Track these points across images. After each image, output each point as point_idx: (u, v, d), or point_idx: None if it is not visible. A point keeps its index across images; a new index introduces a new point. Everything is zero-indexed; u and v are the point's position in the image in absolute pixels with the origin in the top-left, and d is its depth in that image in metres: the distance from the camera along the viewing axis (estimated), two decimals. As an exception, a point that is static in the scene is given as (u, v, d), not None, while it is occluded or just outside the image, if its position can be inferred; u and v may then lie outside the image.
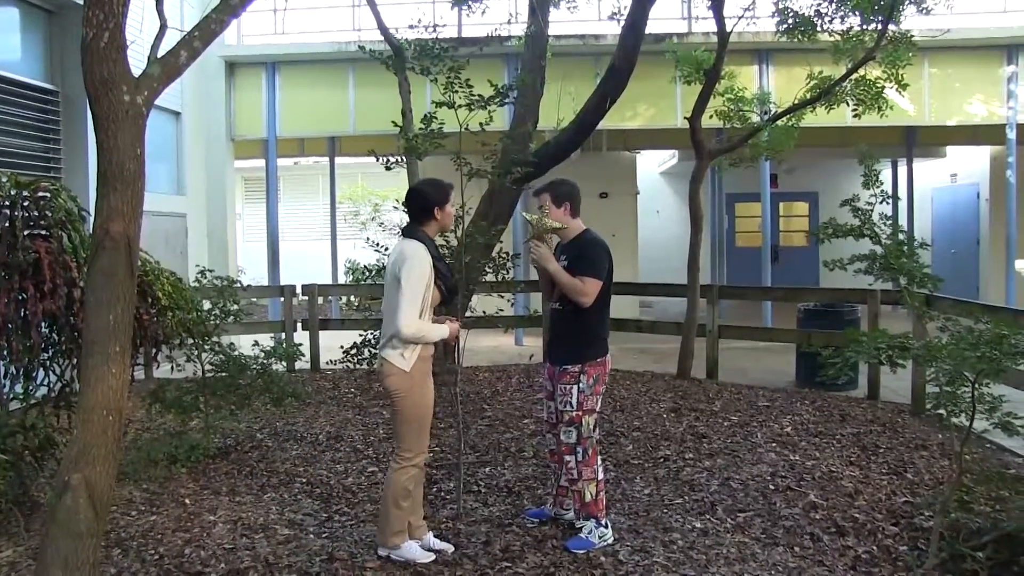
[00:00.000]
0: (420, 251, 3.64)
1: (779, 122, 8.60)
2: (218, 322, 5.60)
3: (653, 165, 16.74)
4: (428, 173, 10.89)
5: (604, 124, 8.23)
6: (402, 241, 3.74)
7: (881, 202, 4.56)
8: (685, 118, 8.55)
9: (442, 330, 3.68)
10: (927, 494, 4.59)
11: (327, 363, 7.84)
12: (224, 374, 5.59)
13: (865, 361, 3.97)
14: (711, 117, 8.72)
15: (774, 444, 5.69)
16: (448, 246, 4.86)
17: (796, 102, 8.44)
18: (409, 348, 3.63)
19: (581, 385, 3.92)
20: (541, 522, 4.29)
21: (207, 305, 5.67)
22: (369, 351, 7.26)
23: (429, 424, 3.79)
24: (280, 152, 12.18)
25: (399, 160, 4.96)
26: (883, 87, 8.18)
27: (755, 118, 9.04)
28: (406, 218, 3.86)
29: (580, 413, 3.94)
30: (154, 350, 4.87)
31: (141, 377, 7.68)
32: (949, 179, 14.87)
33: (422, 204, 3.76)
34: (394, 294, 3.61)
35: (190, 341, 5.38)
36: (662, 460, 5.38)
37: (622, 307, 9.49)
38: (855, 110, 8.40)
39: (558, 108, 8.20)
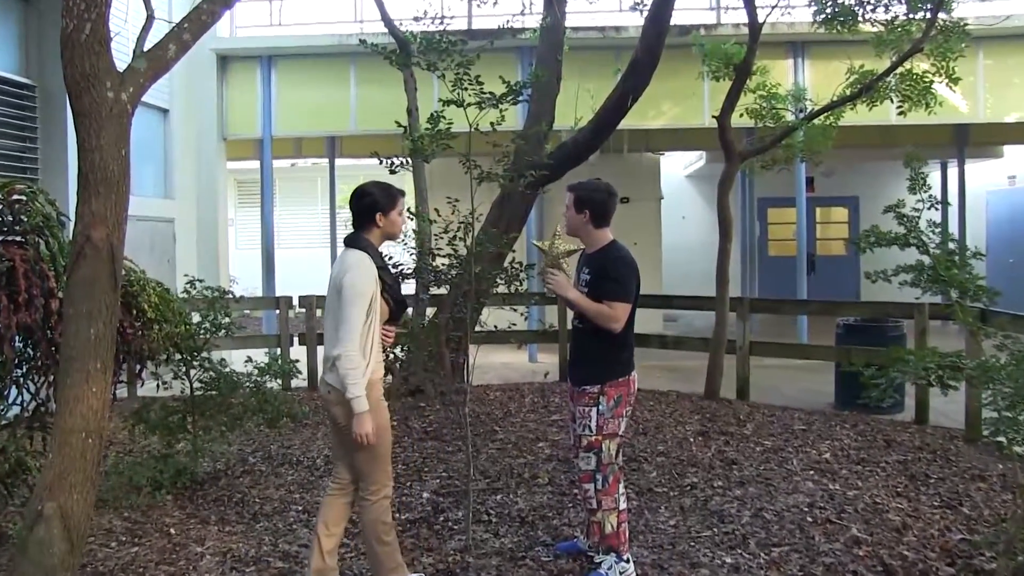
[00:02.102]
0: (364, 261, 3.57)
1: (816, 121, 8.57)
2: (208, 336, 5.60)
3: (678, 168, 16.69)
4: (435, 176, 11.00)
5: (625, 123, 8.21)
6: (344, 252, 3.68)
7: (929, 207, 4.52)
8: (713, 117, 8.52)
9: (361, 401, 3.45)
10: (987, 532, 4.50)
11: (325, 381, 7.82)
12: (214, 392, 5.59)
13: (912, 382, 3.92)
14: (741, 116, 8.69)
15: (812, 472, 5.65)
16: (457, 255, 4.85)
17: (835, 99, 8.41)
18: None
19: (600, 407, 3.89)
20: (559, 556, 4.24)
21: (196, 318, 5.67)
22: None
23: (390, 451, 3.73)
24: (276, 153, 12.23)
25: (404, 162, 4.97)
26: (931, 81, 8.12)
27: (789, 116, 9.01)
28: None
29: (599, 438, 3.91)
30: (138, 366, 4.87)
31: (124, 396, 7.70)
32: (1007, 181, 14.74)
33: (365, 207, 3.68)
34: (336, 309, 3.55)
35: (178, 357, 5.39)
36: (689, 488, 5.35)
37: (645, 321, 9.43)
38: (900, 107, 8.35)
39: (575, 106, 8.20)
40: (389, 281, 3.69)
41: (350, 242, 3.69)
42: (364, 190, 3.74)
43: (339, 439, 3.75)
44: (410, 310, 6.96)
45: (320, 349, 9.05)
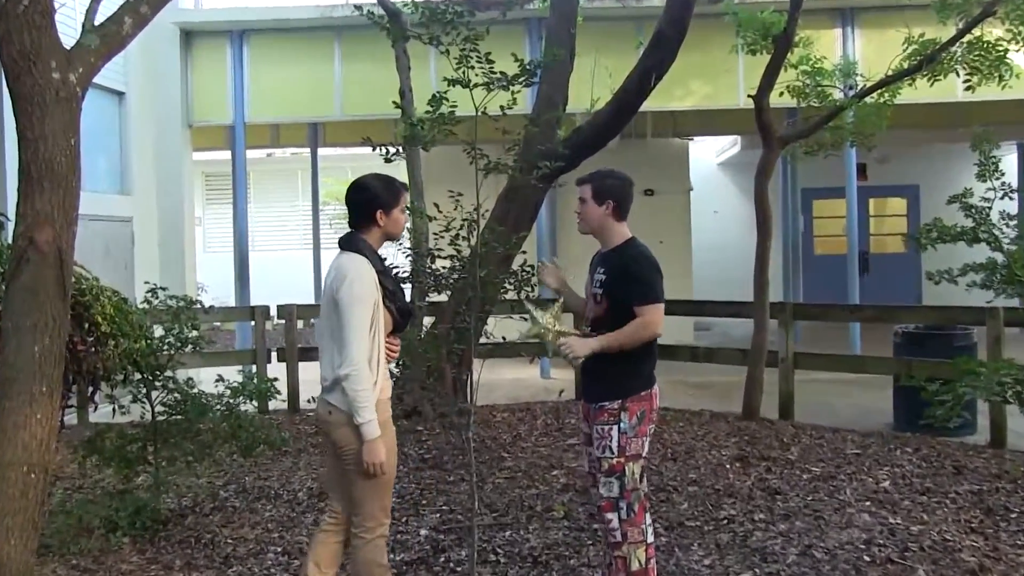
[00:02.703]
0: (361, 266, 3.59)
1: (868, 99, 8.54)
2: (173, 352, 5.59)
3: (710, 155, 16.67)
4: (435, 165, 10.97)
5: (649, 105, 8.18)
6: (339, 255, 3.69)
7: (1002, 197, 4.47)
8: (749, 96, 8.51)
9: (372, 426, 3.49)
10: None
11: (308, 401, 7.80)
12: (179, 417, 5.58)
13: (984, 399, 3.87)
14: (782, 94, 8.67)
15: (868, 503, 5.61)
16: (459, 257, 4.82)
17: (890, 73, 8.37)
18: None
19: (622, 425, 3.88)
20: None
21: (159, 331, 5.67)
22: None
23: (392, 483, 3.73)
24: (250, 142, 12.24)
25: (399, 151, 4.94)
26: (1006, 50, 8.02)
27: (838, 94, 8.98)
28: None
29: (622, 460, 3.88)
30: (91, 388, 4.86)
31: (73, 423, 7.69)
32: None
33: (363, 203, 3.70)
34: (334, 322, 3.56)
35: (137, 376, 5.37)
36: (725, 522, 5.31)
37: (673, 330, 9.38)
38: (968, 81, 8.27)
39: (592, 86, 8.17)
40: (391, 287, 3.71)
41: (345, 244, 3.70)
42: (362, 184, 3.76)
43: (337, 467, 3.75)
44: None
45: (304, 366, 9.19)
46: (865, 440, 7.25)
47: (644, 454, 3.95)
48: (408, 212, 3.97)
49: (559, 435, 7.59)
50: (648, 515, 3.99)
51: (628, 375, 3.91)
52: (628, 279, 3.89)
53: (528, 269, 5.39)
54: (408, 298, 3.93)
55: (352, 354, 3.47)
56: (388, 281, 3.70)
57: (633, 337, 3.85)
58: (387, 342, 3.74)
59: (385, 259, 3.92)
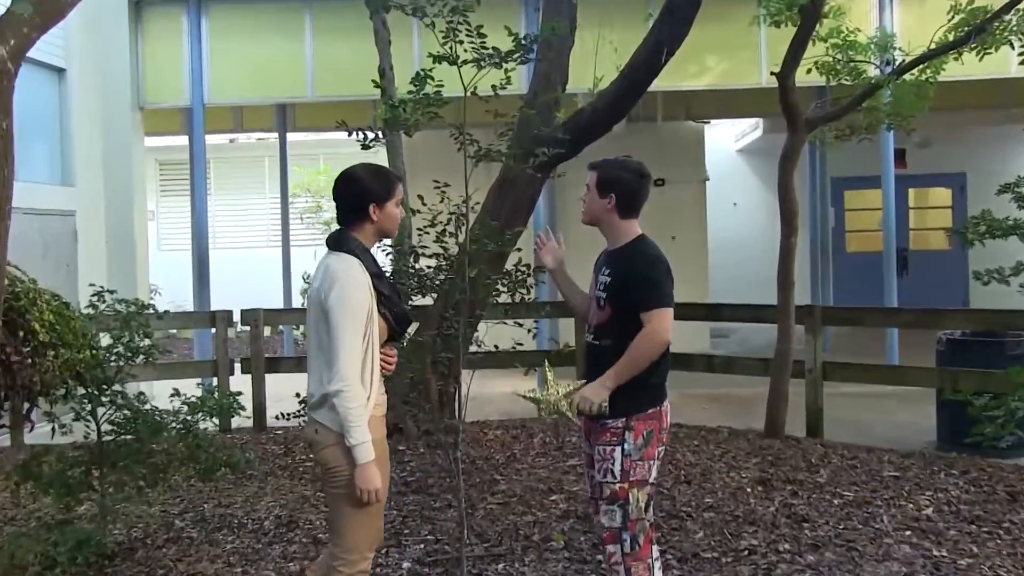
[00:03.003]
0: (353, 268, 3.59)
1: (908, 76, 8.54)
2: (122, 364, 5.57)
3: (728, 140, 16.70)
4: (418, 154, 10.97)
5: (659, 84, 8.18)
6: (327, 256, 3.70)
7: (1061, 187, 4.46)
8: (772, 74, 8.50)
9: (365, 449, 3.50)
10: None
11: (277, 418, 7.80)
12: (129, 437, 5.56)
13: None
14: (809, 71, 8.67)
15: (908, 532, 5.62)
16: (446, 255, 4.81)
17: (933, 46, 8.36)
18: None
19: (626, 447, 3.88)
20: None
21: (106, 340, 5.65)
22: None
23: (382, 512, 3.75)
24: (209, 126, 12.20)
25: (379, 136, 4.91)
26: (1066, 19, 8.02)
27: (873, 71, 8.97)
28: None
29: (626, 486, 3.89)
30: (27, 405, 4.82)
31: (5, 444, 7.69)
32: None
33: (354, 197, 3.71)
34: (323, 332, 3.58)
35: (81, 391, 5.34)
36: (746, 553, 5.33)
37: (687, 337, 9.40)
38: (1022, 55, 8.26)
39: (595, 63, 8.16)
40: (386, 291, 3.71)
41: (335, 244, 3.71)
42: (352, 175, 3.77)
43: (326, 492, 3.77)
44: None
45: (271, 378, 9.16)
46: (904, 461, 7.25)
47: (652, 480, 3.95)
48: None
49: (559, 455, 7.59)
50: (655, 548, 4.00)
51: (634, 388, 3.89)
52: (633, 282, 3.90)
53: (523, 269, 5.38)
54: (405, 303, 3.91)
55: (343, 368, 3.48)
56: (383, 285, 3.71)
57: (643, 352, 3.84)
58: (383, 353, 3.76)
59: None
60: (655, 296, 3.86)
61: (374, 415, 3.62)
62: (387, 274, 3.90)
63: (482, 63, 4.42)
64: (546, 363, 4.18)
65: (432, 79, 4.46)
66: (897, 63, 8.87)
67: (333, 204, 3.80)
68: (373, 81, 5.49)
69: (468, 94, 4.43)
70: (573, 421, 3.98)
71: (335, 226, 3.80)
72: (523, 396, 4.10)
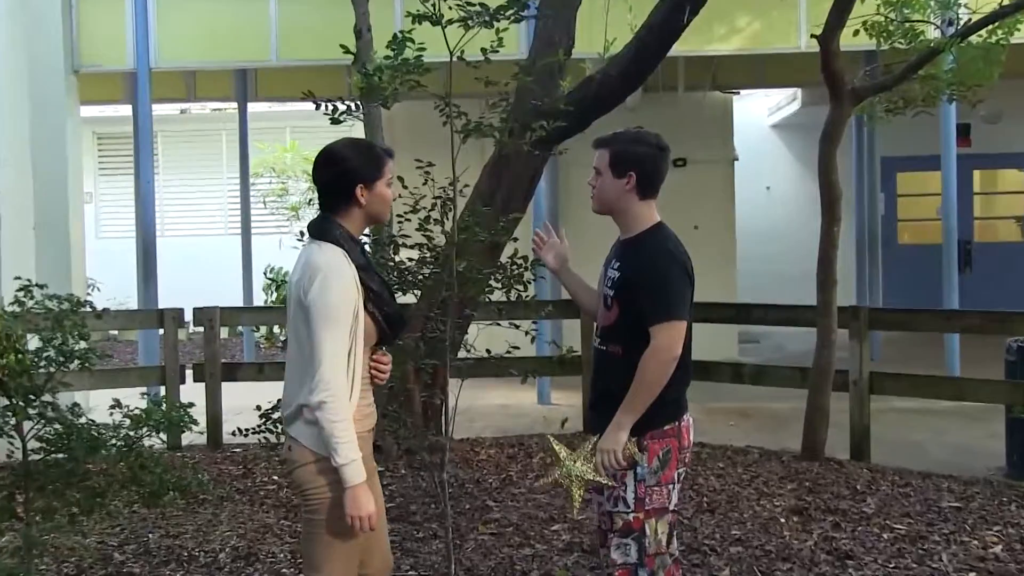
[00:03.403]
0: (337, 261, 3.58)
1: (974, 37, 8.46)
2: (53, 370, 5.57)
3: (760, 113, 16.71)
4: (398, 128, 10.97)
5: (680, 48, 8.19)
6: (308, 246, 3.70)
7: None
8: (813, 36, 8.46)
9: (353, 468, 3.48)
10: None
11: (234, 434, 7.83)
12: (61, 456, 5.54)
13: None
14: (856, 34, 8.66)
15: (973, 574, 5.61)
16: (431, 246, 4.86)
17: (1005, 4, 8.31)
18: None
19: (640, 469, 3.87)
20: None
21: (34, 343, 5.63)
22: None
23: (382, 537, 3.76)
24: (157, 94, 12.18)
25: (352, 107, 4.95)
26: None
27: (932, 33, 8.93)
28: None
29: (641, 515, 3.88)
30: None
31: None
32: None
33: (337, 178, 3.71)
34: (302, 334, 3.57)
35: (3, 402, 5.32)
36: (780, 595, 5.31)
37: (712, 343, 9.41)
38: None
39: (605, 24, 8.18)
40: (375, 287, 3.69)
41: (316, 232, 3.70)
42: (334, 153, 3.76)
43: (301, 519, 3.76)
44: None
45: (229, 387, 9.16)
46: (967, 490, 7.22)
47: (672, 507, 3.94)
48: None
49: (562, 478, 7.61)
50: (677, 585, 4.00)
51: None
52: (642, 283, 3.87)
53: (520, 261, 5.41)
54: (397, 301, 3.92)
55: (326, 376, 3.46)
56: (372, 279, 3.69)
57: (653, 376, 3.80)
58: (373, 360, 3.76)
59: (365, 247, 3.92)
60: (664, 305, 3.82)
61: (358, 430, 3.59)
62: (376, 266, 3.90)
63: (470, 22, 4.44)
64: (551, 440, 4.06)
65: (412, 42, 4.47)
66: (961, 23, 8.79)
67: (302, 186, 3.84)
68: (343, 46, 5.49)
69: (454, 59, 4.46)
70: (608, 483, 3.86)
71: (305, 212, 3.82)
72: (544, 456, 4.04)
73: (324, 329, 3.48)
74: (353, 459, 3.46)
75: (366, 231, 4.44)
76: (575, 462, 3.86)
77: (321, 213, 3.76)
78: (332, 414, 3.44)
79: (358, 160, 3.72)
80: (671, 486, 3.91)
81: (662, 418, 3.88)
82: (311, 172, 3.83)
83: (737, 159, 13.64)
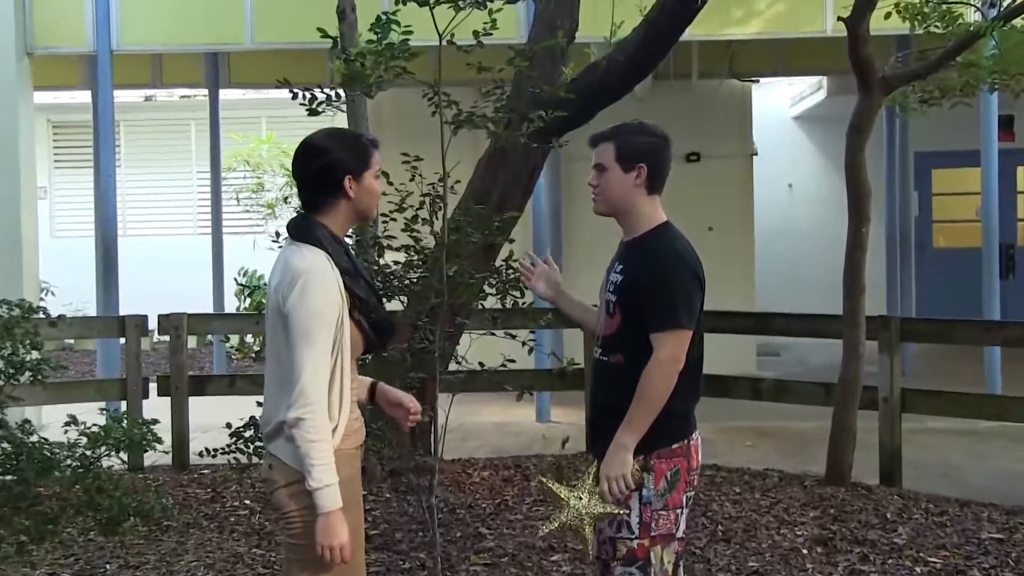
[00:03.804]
0: (317, 264, 3.58)
1: (1017, 21, 8.42)
2: (1, 384, 5.58)
3: (782, 104, 16.74)
4: (384, 120, 10.96)
5: (694, 33, 8.20)
6: (287, 248, 3.71)
7: None
8: (840, 19, 8.49)
9: (328, 493, 3.48)
10: None
11: (201, 454, 7.85)
12: (10, 479, 5.56)
13: None
14: (888, 17, 8.65)
15: (1015, 614, 5.63)
16: (419, 248, 4.87)
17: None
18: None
19: (646, 492, 3.89)
20: None
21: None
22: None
23: (360, 572, 3.77)
24: (120, 79, 12.16)
25: (332, 97, 4.97)
26: None
27: (972, 16, 8.92)
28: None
29: (646, 542, 3.90)
30: None
31: None
32: None
33: (320, 172, 3.71)
34: (280, 343, 3.58)
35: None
36: (801, 634, 5.31)
37: (728, 355, 9.43)
38: None
39: (612, 4, 8.19)
40: (362, 293, 3.69)
41: (297, 232, 3.70)
42: (317, 145, 3.76)
43: (283, 544, 3.78)
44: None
45: (197, 402, 9.16)
46: (1010, 520, 7.20)
47: (680, 534, 3.95)
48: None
49: (562, 504, 7.60)
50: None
51: (655, 420, 3.88)
52: (648, 287, 3.88)
53: (516, 264, 5.41)
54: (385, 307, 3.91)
55: (306, 390, 3.45)
56: (358, 285, 3.68)
57: (656, 391, 3.81)
58: (404, 410, 3.82)
59: (349, 247, 3.89)
60: (669, 311, 3.83)
61: (343, 448, 3.60)
62: (362, 268, 3.87)
63: (460, 2, 4.45)
64: (542, 481, 4.03)
65: (398, 24, 4.47)
66: (1004, 5, 8.78)
67: (279, 181, 3.83)
68: (321, 30, 5.49)
69: (444, 43, 4.47)
70: (620, 512, 3.86)
71: (282, 210, 3.82)
72: (540, 497, 4.01)
73: (304, 339, 3.48)
74: (329, 483, 3.45)
75: (349, 231, 4.44)
76: (580, 499, 3.85)
77: (300, 212, 3.76)
78: (309, 432, 3.44)
79: (344, 150, 3.72)
80: (679, 510, 3.92)
81: (670, 436, 3.90)
82: (291, 167, 3.82)
83: (756, 154, 13.66)
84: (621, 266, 4.01)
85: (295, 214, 3.80)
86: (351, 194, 3.68)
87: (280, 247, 6.10)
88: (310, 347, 3.48)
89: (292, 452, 3.54)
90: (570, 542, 6.70)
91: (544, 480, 3.99)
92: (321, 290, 3.53)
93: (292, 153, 3.83)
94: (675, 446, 3.91)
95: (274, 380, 3.63)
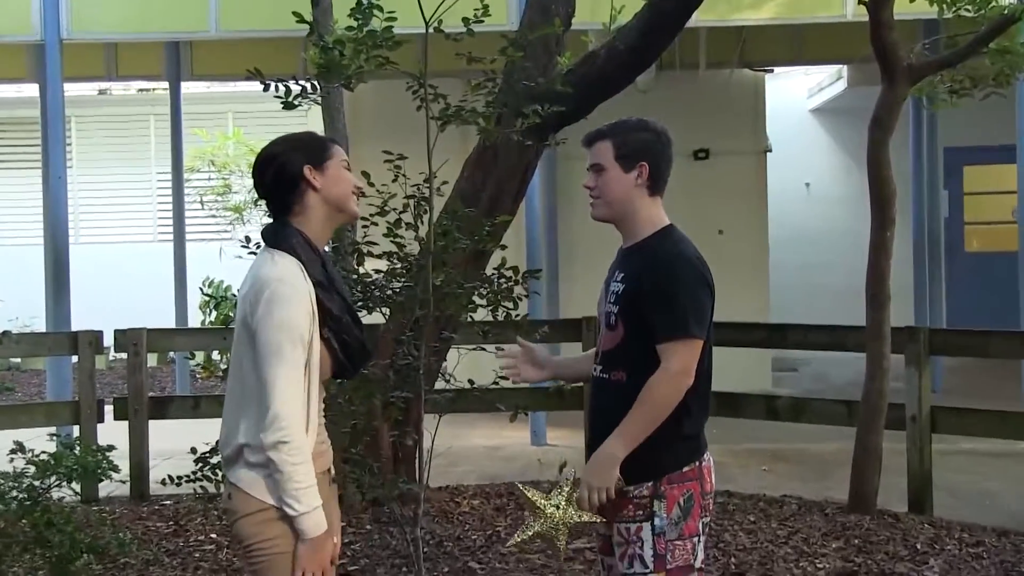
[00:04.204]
0: (288, 273, 3.58)
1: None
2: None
3: (798, 95, 16.79)
4: (364, 115, 10.97)
5: (702, 18, 8.22)
6: (260, 254, 3.71)
7: None
8: (861, 3, 8.53)
9: (312, 520, 3.52)
10: None
11: (164, 483, 7.85)
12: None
13: None
14: (914, 0, 8.72)
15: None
16: (402, 255, 4.88)
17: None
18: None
19: (658, 522, 3.88)
20: None
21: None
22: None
23: None
24: (71, 71, 12.17)
25: (308, 88, 4.98)
26: None
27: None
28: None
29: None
30: None
31: None
32: None
33: (277, 176, 3.72)
34: (250, 360, 3.58)
35: None
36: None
37: (740, 371, 9.44)
38: None
39: (612, -11, 8.22)
40: (335, 309, 3.69)
41: (270, 238, 3.71)
42: (269, 151, 3.79)
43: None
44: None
45: (157, 426, 9.13)
46: (1053, 550, 7.26)
47: (698, 564, 3.95)
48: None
49: (560, 535, 7.60)
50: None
51: (663, 439, 3.87)
52: (653, 293, 3.88)
53: (509, 273, 5.43)
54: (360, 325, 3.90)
55: (282, 411, 3.45)
56: (331, 300, 3.68)
57: (661, 401, 3.82)
58: None
59: (328, 258, 3.87)
60: (676, 318, 3.83)
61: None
62: (338, 279, 3.86)
63: (447, -16, 4.48)
64: (519, 487, 4.10)
65: (380, 10, 4.48)
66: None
67: (247, 183, 3.83)
68: (295, 14, 5.51)
69: (430, 30, 4.50)
70: (598, 521, 3.91)
71: (251, 214, 3.82)
72: (517, 542, 4.03)
73: (274, 355, 3.48)
74: (316, 506, 3.49)
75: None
76: (558, 508, 3.89)
77: (274, 220, 3.76)
78: (292, 454, 3.45)
79: (295, 147, 3.75)
80: (695, 539, 3.92)
81: (680, 458, 3.91)
82: (253, 181, 3.82)
83: (770, 150, 13.68)
84: (622, 274, 4.01)
85: (271, 221, 3.78)
86: (316, 184, 3.68)
87: (252, 254, 6.18)
88: (280, 363, 3.48)
89: (252, 479, 3.54)
90: (556, 561, 6.73)
91: (521, 488, 4.04)
92: (290, 302, 3.52)
93: (251, 170, 3.82)
94: (686, 469, 3.91)
95: (235, 399, 3.63)
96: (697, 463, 3.94)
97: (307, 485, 3.48)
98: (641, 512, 3.88)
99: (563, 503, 3.88)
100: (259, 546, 3.59)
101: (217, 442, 6.82)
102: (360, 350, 3.81)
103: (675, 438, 3.90)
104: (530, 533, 3.92)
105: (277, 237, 3.67)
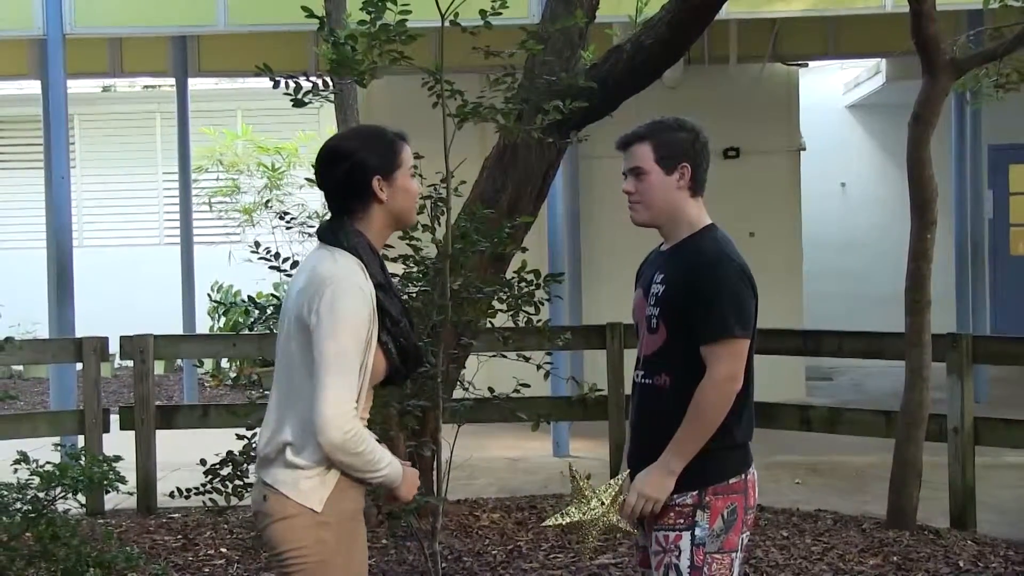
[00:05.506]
0: (353, 273, 3.61)
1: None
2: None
3: (834, 91, 16.76)
4: (377, 111, 10.93)
5: (732, 10, 8.21)
6: (317, 251, 3.74)
7: None
8: (900, -6, 8.53)
9: (394, 470, 3.66)
10: None
11: (172, 495, 7.88)
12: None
13: None
14: (955, -10, 8.69)
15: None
16: (419, 258, 4.90)
17: None
18: (320, 468, 3.59)
19: (699, 532, 3.90)
20: None
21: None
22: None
23: None
24: (74, 68, 12.22)
25: (319, 85, 4.99)
26: None
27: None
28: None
29: (702, 589, 3.93)
30: None
31: None
32: None
33: (346, 176, 3.74)
34: (301, 356, 3.60)
35: None
36: None
37: (773, 379, 9.43)
38: None
39: (637, -19, 8.23)
40: (395, 312, 3.72)
41: (330, 236, 3.73)
42: (338, 147, 3.81)
43: None
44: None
45: (165, 436, 9.14)
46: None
47: None
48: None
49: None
50: None
51: (712, 448, 3.89)
52: (696, 293, 3.89)
53: (530, 277, 5.44)
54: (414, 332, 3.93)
55: (334, 411, 3.46)
56: (391, 301, 3.71)
57: (711, 412, 3.83)
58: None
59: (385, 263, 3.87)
60: (720, 319, 3.84)
61: (342, 486, 3.62)
62: (397, 286, 3.88)
63: (464, -24, 4.48)
64: (571, 469, 4.10)
65: (394, 3, 4.49)
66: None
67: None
68: (304, 8, 5.53)
69: (446, 23, 4.50)
70: (632, 533, 3.96)
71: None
72: (553, 525, 4.06)
73: (334, 355, 3.49)
74: (388, 461, 3.63)
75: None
76: (602, 504, 3.91)
77: (332, 217, 3.78)
78: (356, 445, 3.52)
79: (365, 149, 3.74)
80: (734, 554, 3.94)
81: (727, 469, 3.93)
82: (314, 175, 3.84)
83: (804, 148, 13.64)
84: (662, 275, 4.02)
85: (324, 219, 3.80)
86: (382, 197, 3.70)
87: (262, 258, 6.20)
88: (339, 363, 3.49)
89: (292, 480, 3.56)
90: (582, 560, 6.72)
91: (573, 471, 4.05)
92: (353, 300, 3.55)
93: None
94: (732, 481, 3.93)
95: (281, 394, 3.65)
96: (743, 475, 3.96)
97: (377, 455, 3.58)
98: (682, 521, 3.90)
99: (607, 502, 3.90)
100: (293, 554, 3.61)
101: (229, 453, 6.90)
102: (415, 355, 3.84)
103: (724, 447, 3.93)
104: (565, 521, 3.93)
105: (338, 236, 3.69)
